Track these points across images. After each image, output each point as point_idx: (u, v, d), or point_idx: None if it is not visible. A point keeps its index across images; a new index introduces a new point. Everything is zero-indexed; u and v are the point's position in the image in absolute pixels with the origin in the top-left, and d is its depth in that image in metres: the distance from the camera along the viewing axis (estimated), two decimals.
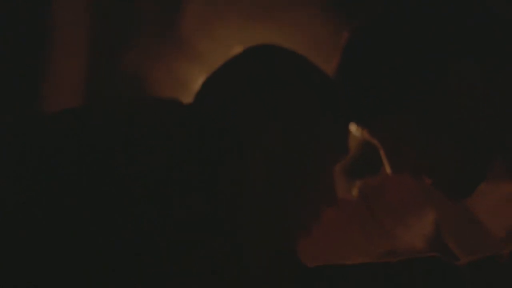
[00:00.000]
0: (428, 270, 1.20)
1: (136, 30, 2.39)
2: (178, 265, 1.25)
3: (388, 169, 1.28)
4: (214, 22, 2.10)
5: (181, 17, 2.31)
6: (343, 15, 1.46)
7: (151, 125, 1.31)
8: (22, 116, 1.37)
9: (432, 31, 1.24)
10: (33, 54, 2.35)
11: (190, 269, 1.26)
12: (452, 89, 1.23)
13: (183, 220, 1.26)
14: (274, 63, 1.36)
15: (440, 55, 1.24)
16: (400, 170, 1.27)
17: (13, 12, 2.33)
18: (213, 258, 1.26)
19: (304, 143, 1.29)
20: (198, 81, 1.36)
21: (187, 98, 1.37)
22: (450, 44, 1.23)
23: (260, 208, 1.25)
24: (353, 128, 1.34)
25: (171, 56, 2.31)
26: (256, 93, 1.33)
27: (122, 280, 1.25)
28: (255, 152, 1.27)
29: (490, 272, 1.14)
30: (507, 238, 1.25)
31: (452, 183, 1.26)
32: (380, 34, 1.29)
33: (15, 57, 2.32)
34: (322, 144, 1.30)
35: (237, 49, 1.35)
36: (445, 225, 1.48)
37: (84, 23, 2.41)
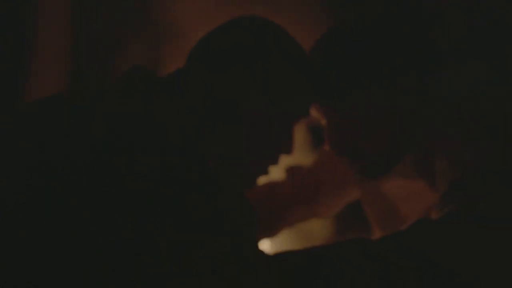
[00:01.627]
0: (355, 251, 1.31)
1: (114, 9, 2.39)
2: (178, 265, 1.25)
3: (327, 145, 1.53)
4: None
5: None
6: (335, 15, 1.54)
7: (151, 125, 1.31)
8: (21, 116, 1.36)
9: (395, 39, 1.45)
10: (15, 38, 2.34)
11: (190, 269, 1.26)
12: (390, 91, 1.46)
13: (183, 220, 1.26)
14: (261, 35, 1.44)
15: (393, 63, 1.46)
16: (336, 148, 1.52)
17: None
18: (213, 258, 1.27)
19: (281, 107, 1.44)
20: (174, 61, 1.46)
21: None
22: (400, 55, 1.45)
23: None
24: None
25: (148, 36, 2.32)
26: (245, 65, 1.42)
27: (122, 280, 1.25)
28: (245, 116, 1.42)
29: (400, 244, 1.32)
30: None
31: (367, 165, 1.50)
32: (354, 31, 1.48)
33: None
34: (293, 108, 1.45)
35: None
36: (367, 205, 1.74)
37: (66, 12, 2.41)
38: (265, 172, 1.48)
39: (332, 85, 1.48)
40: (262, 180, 1.50)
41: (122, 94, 1.35)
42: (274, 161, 1.48)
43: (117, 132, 1.28)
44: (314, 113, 1.52)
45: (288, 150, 1.48)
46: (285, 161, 1.57)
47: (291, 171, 1.80)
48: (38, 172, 1.27)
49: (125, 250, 1.24)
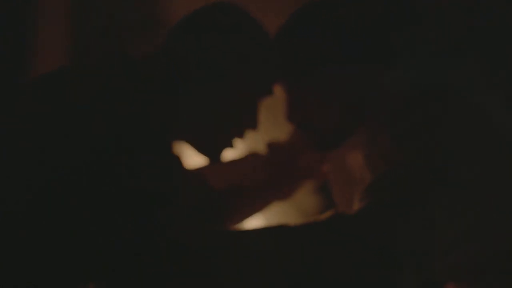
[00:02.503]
0: (277, 237, 1.34)
1: None
2: (178, 265, 1.25)
3: (287, 120, 1.62)
4: None
5: None
6: None
7: (151, 125, 1.31)
8: (22, 115, 1.36)
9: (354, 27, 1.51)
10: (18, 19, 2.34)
11: (190, 269, 1.26)
12: (344, 76, 1.54)
13: (183, 220, 1.27)
14: (234, 15, 1.50)
15: (349, 52, 1.52)
16: (292, 121, 1.61)
17: None
18: (213, 258, 1.27)
19: (247, 84, 1.49)
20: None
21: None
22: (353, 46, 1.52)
23: None
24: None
25: (148, 35, 2.32)
26: (218, 41, 1.47)
27: (122, 280, 1.25)
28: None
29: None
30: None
31: (321, 138, 1.60)
32: (318, 15, 1.54)
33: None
34: (258, 85, 1.52)
35: None
36: (332, 176, 1.80)
37: None
38: (231, 145, 1.52)
39: (293, 65, 1.55)
40: (229, 154, 1.56)
41: (120, 92, 1.35)
42: (240, 135, 1.52)
43: (117, 132, 1.28)
44: (278, 91, 1.59)
45: (253, 125, 1.53)
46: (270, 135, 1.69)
47: (271, 145, 1.85)
48: (38, 172, 1.27)
49: (125, 250, 1.24)
